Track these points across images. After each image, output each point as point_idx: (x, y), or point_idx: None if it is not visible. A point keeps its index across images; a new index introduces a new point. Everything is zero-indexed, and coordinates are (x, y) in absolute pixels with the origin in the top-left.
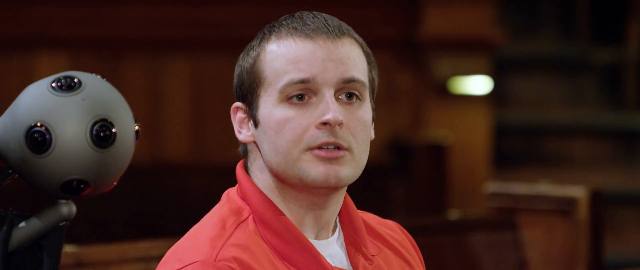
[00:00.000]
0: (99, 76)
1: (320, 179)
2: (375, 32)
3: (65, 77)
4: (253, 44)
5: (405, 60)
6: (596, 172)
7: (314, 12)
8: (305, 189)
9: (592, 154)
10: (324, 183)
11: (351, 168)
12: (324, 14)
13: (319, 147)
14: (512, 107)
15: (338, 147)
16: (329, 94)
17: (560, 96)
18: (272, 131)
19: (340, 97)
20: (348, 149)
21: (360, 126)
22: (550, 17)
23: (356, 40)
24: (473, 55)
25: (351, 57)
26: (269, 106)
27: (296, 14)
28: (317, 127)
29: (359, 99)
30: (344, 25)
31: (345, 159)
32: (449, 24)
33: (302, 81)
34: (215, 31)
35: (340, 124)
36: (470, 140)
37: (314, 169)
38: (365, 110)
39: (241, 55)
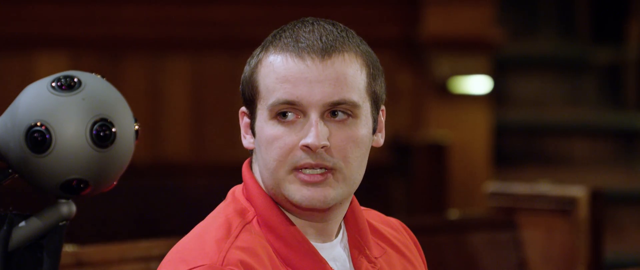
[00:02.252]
0: (99, 76)
1: (305, 203)
2: (375, 32)
3: (65, 77)
4: (256, 50)
5: (405, 60)
6: (596, 172)
7: (315, 21)
8: (294, 209)
9: (592, 154)
10: (310, 206)
11: (339, 188)
12: (325, 24)
13: (302, 169)
14: (512, 107)
15: (323, 167)
16: (314, 117)
17: (560, 96)
18: (263, 147)
19: (329, 116)
20: (333, 170)
21: (350, 144)
22: (550, 17)
23: (356, 53)
24: (473, 55)
25: (342, 77)
26: (261, 120)
27: (297, 24)
28: (301, 149)
29: (352, 117)
30: (346, 36)
31: (329, 181)
32: (449, 24)
33: (288, 102)
34: (215, 31)
35: (323, 147)
36: (470, 140)
37: (298, 193)
38: (358, 127)
39: (249, 59)
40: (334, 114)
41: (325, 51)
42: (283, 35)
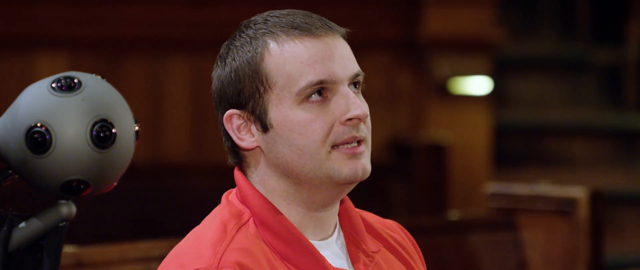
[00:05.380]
0: (99, 76)
1: (352, 175)
2: (375, 32)
3: (66, 78)
4: (235, 51)
5: (405, 60)
6: (596, 172)
7: (287, 10)
8: (328, 187)
9: (592, 154)
10: (354, 178)
11: (369, 159)
12: (298, 11)
13: (344, 144)
14: (512, 107)
15: (358, 141)
16: (347, 90)
17: (560, 96)
18: (293, 133)
19: (351, 90)
20: (365, 141)
21: (368, 114)
22: (550, 17)
23: (340, 32)
24: (473, 55)
25: (350, 51)
26: (284, 109)
27: (273, 14)
28: (342, 124)
29: (360, 87)
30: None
31: (365, 153)
32: (449, 24)
33: (321, 82)
34: (215, 31)
35: (366, 117)
36: (470, 141)
37: (345, 167)
38: (364, 99)
39: (220, 64)
40: (353, 86)
41: (330, 28)
42: (276, 23)
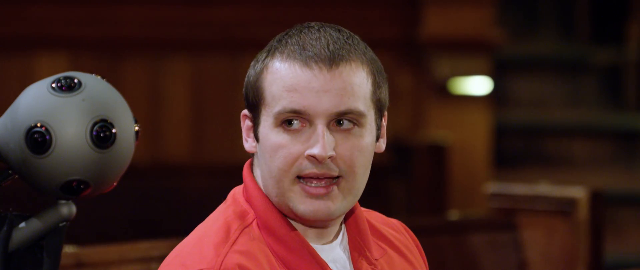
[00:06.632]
0: (99, 77)
1: (308, 214)
2: (376, 33)
3: (65, 78)
4: (261, 55)
5: (405, 61)
6: (596, 172)
7: (321, 27)
8: (297, 218)
9: (592, 154)
10: (313, 217)
11: (343, 199)
12: (331, 30)
13: (307, 179)
14: (512, 108)
15: (329, 177)
16: (321, 127)
17: (560, 96)
18: (267, 154)
19: (335, 125)
20: (340, 178)
21: (356, 153)
22: (550, 17)
23: (362, 61)
24: (473, 55)
25: (348, 87)
26: (266, 127)
27: (304, 30)
28: (307, 158)
29: (357, 126)
30: (352, 43)
31: (334, 193)
32: (449, 24)
33: (294, 111)
34: (215, 31)
35: (330, 157)
36: (470, 141)
37: (302, 205)
38: (364, 136)
39: (253, 62)
40: (339, 122)
41: (333, 60)
42: (289, 41)
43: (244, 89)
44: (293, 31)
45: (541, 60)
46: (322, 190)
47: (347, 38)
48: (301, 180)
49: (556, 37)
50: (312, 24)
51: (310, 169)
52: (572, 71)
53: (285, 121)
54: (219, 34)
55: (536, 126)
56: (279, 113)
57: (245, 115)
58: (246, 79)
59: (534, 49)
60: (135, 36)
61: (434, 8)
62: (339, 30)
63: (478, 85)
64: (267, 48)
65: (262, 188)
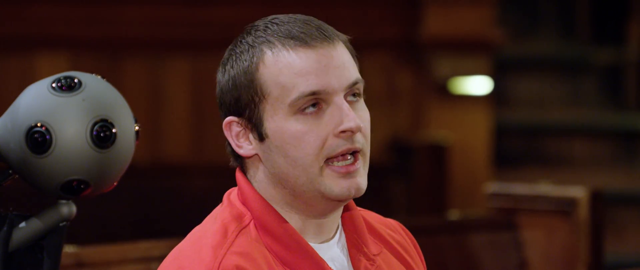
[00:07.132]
0: (99, 76)
1: (344, 194)
2: (376, 33)
3: (66, 78)
4: (234, 58)
5: (405, 60)
6: (596, 172)
7: (288, 17)
8: (321, 201)
9: (592, 154)
10: (347, 197)
11: (365, 173)
12: (299, 17)
13: (338, 159)
14: (512, 108)
15: (353, 153)
16: (341, 101)
17: (560, 96)
18: (288, 145)
19: (348, 99)
20: (362, 152)
21: (366, 123)
22: (550, 17)
23: (337, 35)
24: (473, 55)
25: (347, 59)
26: (278, 120)
27: (271, 25)
28: (335, 136)
29: (359, 96)
30: (320, 22)
31: (360, 170)
32: (449, 24)
33: (313, 93)
34: (215, 31)
35: (360, 129)
36: (471, 141)
37: (337, 186)
38: (364, 105)
39: (221, 70)
40: (348, 96)
41: (325, 38)
42: (268, 34)
43: (222, 96)
44: (263, 24)
45: (541, 60)
46: (352, 167)
47: (314, 19)
48: (329, 163)
49: (556, 37)
50: (278, 16)
51: (341, 146)
52: (572, 71)
53: (304, 108)
54: (219, 34)
55: (536, 126)
56: (298, 99)
57: (231, 122)
58: (223, 85)
59: (534, 49)
60: (135, 36)
61: (434, 8)
62: (305, 16)
63: (478, 85)
64: (238, 50)
65: (258, 190)
